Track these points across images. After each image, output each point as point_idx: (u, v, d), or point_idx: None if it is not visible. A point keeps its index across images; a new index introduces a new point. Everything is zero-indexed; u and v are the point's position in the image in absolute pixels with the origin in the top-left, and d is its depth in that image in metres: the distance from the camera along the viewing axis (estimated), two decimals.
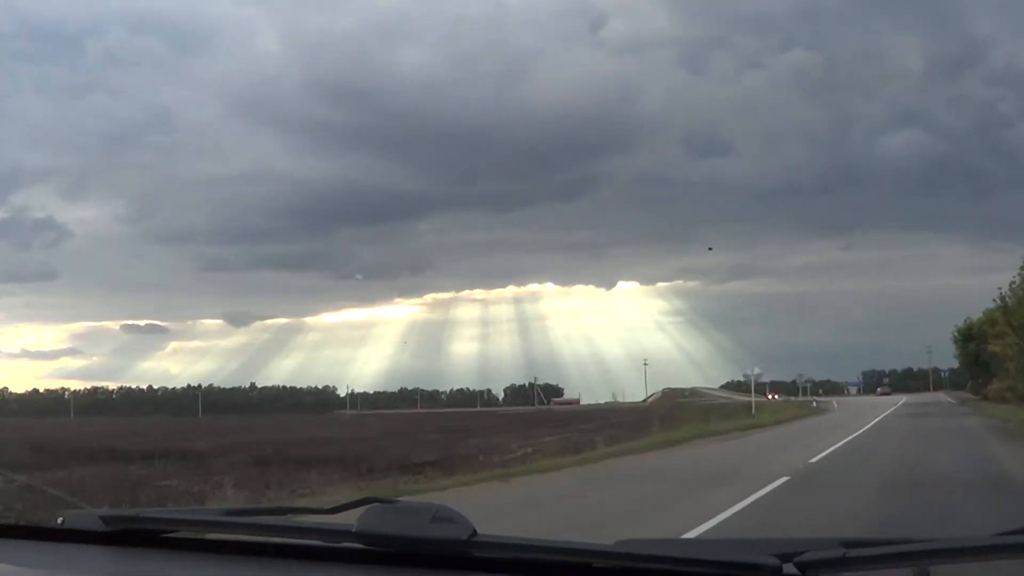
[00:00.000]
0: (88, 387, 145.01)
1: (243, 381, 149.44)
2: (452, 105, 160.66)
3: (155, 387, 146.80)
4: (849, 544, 1.24)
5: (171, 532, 1.63)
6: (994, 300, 43.93)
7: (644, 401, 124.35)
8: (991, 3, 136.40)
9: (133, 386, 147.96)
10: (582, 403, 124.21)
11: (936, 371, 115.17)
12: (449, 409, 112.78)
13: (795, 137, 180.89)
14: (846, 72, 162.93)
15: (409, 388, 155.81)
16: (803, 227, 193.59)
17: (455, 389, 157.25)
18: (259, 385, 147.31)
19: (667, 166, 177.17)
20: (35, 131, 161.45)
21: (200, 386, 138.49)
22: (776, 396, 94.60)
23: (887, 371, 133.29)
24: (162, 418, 76.65)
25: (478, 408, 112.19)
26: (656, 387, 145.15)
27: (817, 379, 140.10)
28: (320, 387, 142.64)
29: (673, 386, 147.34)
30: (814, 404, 60.40)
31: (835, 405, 63.70)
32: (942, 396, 76.15)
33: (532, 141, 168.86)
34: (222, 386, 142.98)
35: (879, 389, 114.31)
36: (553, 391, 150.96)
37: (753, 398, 45.08)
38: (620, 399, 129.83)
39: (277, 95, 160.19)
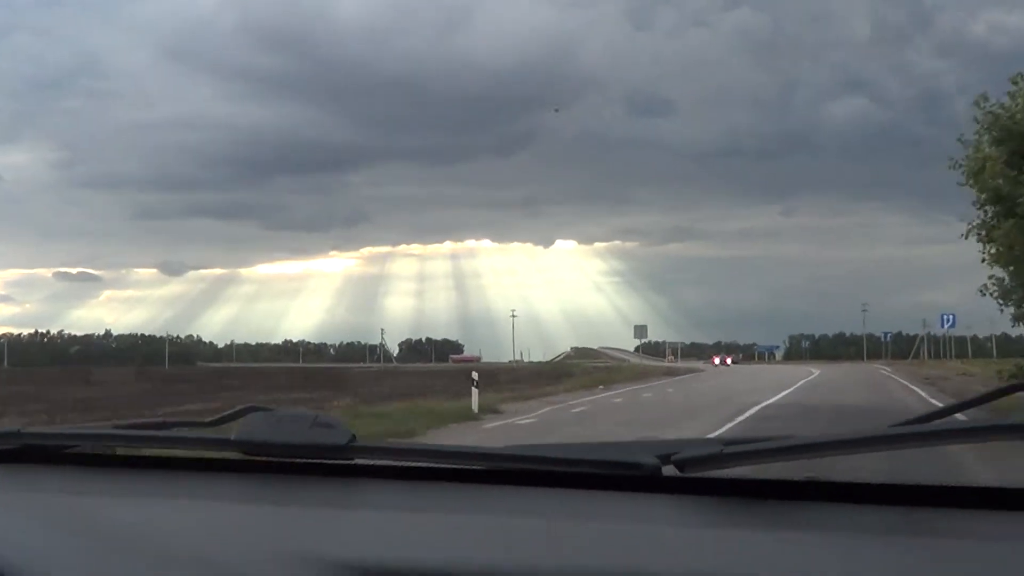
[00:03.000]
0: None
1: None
2: (390, 55, 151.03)
3: None
4: (729, 443, 1.20)
5: (54, 448, 1.57)
6: None
7: (552, 360, 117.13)
8: None
9: None
10: (484, 360, 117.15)
11: (872, 337, 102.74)
12: (332, 364, 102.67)
13: (738, 99, 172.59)
14: (792, 35, 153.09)
15: (294, 340, 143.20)
16: (743, 191, 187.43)
17: (344, 343, 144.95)
18: (115, 333, 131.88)
19: (608, 124, 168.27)
20: None
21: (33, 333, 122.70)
22: (733, 361, 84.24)
23: (816, 336, 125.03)
24: None
25: (364, 364, 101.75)
26: (588, 345, 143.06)
27: (742, 342, 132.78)
28: (182, 337, 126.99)
29: (581, 346, 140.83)
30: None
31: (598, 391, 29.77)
32: (887, 374, 46.43)
33: (471, 93, 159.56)
34: (75, 333, 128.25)
35: (716, 358, 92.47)
36: (453, 347, 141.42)
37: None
38: (526, 359, 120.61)
39: (210, 40, 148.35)
